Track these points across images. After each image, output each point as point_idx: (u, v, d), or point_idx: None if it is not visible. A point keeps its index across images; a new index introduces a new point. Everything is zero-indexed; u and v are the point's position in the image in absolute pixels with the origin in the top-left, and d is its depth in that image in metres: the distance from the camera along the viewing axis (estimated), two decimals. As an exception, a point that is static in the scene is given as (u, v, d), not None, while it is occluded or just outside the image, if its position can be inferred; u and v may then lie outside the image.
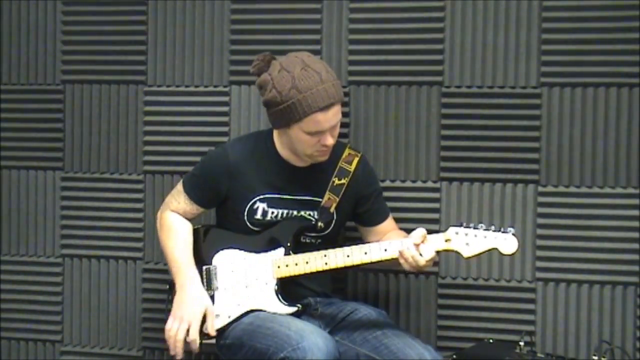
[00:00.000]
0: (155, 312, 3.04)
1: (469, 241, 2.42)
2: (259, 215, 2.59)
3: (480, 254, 2.43)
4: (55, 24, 3.16)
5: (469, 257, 2.44)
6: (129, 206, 3.12)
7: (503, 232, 2.41)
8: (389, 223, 2.74)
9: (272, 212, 2.60)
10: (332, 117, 2.46)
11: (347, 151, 2.66)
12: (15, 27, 3.19)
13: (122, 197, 3.12)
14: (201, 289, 2.55)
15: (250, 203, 2.59)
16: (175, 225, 2.66)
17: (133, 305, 3.12)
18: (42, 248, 3.20)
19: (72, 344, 3.18)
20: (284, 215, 2.60)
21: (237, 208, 2.61)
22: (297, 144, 2.53)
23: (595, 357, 2.55)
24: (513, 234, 2.41)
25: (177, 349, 2.50)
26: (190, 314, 2.50)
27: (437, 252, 2.44)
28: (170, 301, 2.66)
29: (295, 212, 2.61)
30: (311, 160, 2.58)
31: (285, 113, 2.46)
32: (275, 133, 2.63)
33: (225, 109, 3.03)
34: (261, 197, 2.59)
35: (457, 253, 2.43)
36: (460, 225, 2.44)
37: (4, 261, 3.23)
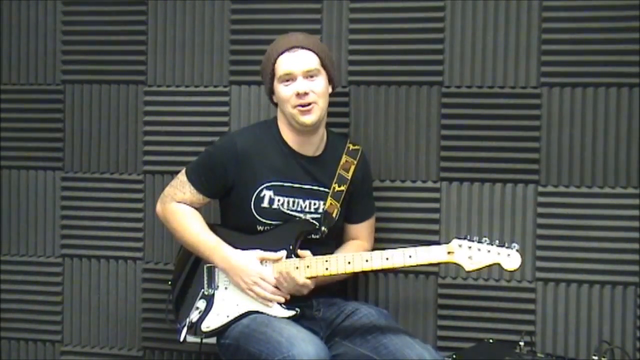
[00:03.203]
0: (155, 312, 3.04)
1: (471, 255, 2.41)
2: (265, 204, 2.60)
3: (482, 268, 2.43)
4: (55, 24, 3.16)
5: (471, 271, 2.44)
6: (129, 206, 3.12)
7: (507, 247, 2.40)
8: (361, 228, 2.77)
9: (279, 200, 2.60)
10: (298, 60, 2.57)
11: (344, 158, 2.69)
12: (15, 27, 3.19)
13: (122, 197, 3.12)
14: (240, 253, 2.57)
15: (257, 191, 2.60)
16: (189, 212, 2.68)
17: (133, 305, 3.12)
18: (42, 248, 3.20)
19: (72, 344, 3.18)
20: (290, 203, 2.61)
21: (243, 197, 2.61)
22: (283, 107, 2.61)
23: (595, 357, 2.55)
24: (517, 250, 2.39)
25: (277, 297, 2.54)
26: (253, 275, 2.53)
27: (438, 264, 2.47)
28: (171, 301, 2.67)
29: (301, 201, 2.62)
30: (300, 124, 2.59)
31: (265, 71, 2.65)
32: (278, 117, 2.68)
33: (225, 109, 3.04)
34: (268, 184, 2.60)
35: (459, 266, 2.43)
36: (464, 238, 2.43)
37: (4, 261, 3.23)
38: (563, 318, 2.81)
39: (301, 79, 2.56)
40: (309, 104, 2.56)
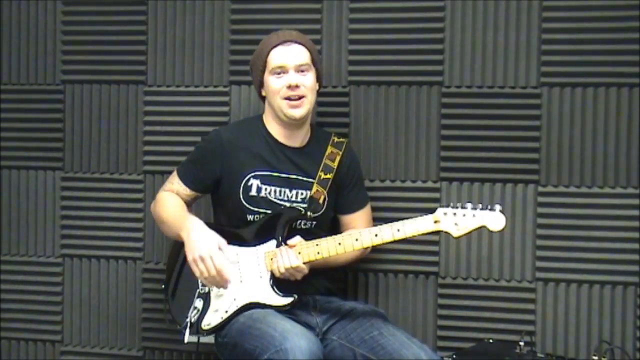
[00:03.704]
0: (155, 312, 3.04)
1: (457, 221, 2.45)
2: (253, 192, 2.63)
3: (469, 232, 2.46)
4: (55, 24, 3.16)
5: (459, 237, 2.47)
6: (129, 206, 3.12)
7: (490, 209, 2.44)
8: (356, 218, 2.77)
9: (266, 189, 2.64)
10: (291, 54, 2.62)
11: (329, 149, 2.72)
12: (15, 27, 3.19)
13: (122, 197, 3.12)
14: (205, 228, 2.56)
15: (245, 179, 2.63)
16: (167, 197, 2.72)
17: (133, 305, 3.12)
18: (42, 248, 3.20)
19: (72, 344, 3.18)
20: (277, 192, 2.64)
21: (232, 186, 2.64)
22: (272, 99, 2.65)
23: (595, 357, 2.55)
24: (500, 211, 2.43)
25: (222, 281, 2.50)
26: (205, 250, 2.49)
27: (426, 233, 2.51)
28: (167, 301, 2.68)
29: (287, 191, 2.65)
30: (288, 117, 2.62)
31: (256, 64, 2.69)
32: (265, 111, 2.72)
33: (225, 109, 3.04)
34: (254, 173, 2.64)
35: (447, 233, 2.47)
36: (448, 206, 2.46)
37: (4, 261, 3.23)
38: (563, 318, 2.81)
39: (293, 72, 2.62)
40: (300, 98, 2.61)
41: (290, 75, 2.61)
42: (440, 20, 2.86)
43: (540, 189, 2.82)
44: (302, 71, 2.63)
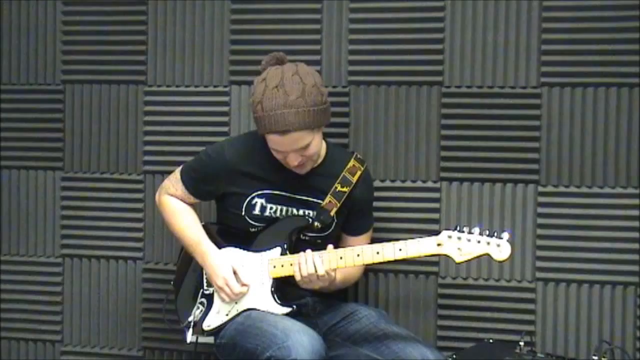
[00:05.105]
0: (155, 312, 3.04)
1: (461, 246, 2.40)
2: (257, 211, 2.60)
3: (472, 259, 2.42)
4: (55, 24, 3.16)
5: (461, 262, 2.43)
6: (129, 206, 3.12)
7: (497, 237, 2.38)
8: (360, 239, 2.70)
9: (271, 208, 2.60)
10: (289, 142, 2.44)
11: (352, 162, 2.64)
12: (15, 27, 3.19)
13: (122, 197, 3.12)
14: (219, 256, 2.58)
15: (248, 199, 2.60)
16: (178, 207, 2.69)
17: (133, 305, 3.12)
18: (42, 248, 3.20)
19: (72, 344, 3.18)
20: (283, 211, 2.61)
21: (235, 204, 2.62)
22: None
23: (595, 357, 2.55)
24: (507, 240, 2.38)
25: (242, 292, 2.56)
26: (221, 278, 2.54)
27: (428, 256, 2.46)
28: (169, 301, 2.67)
29: (294, 210, 2.61)
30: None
31: (255, 122, 2.50)
32: None
33: (225, 109, 3.04)
34: (259, 193, 2.60)
35: (449, 257, 2.42)
36: (454, 229, 2.42)
37: (4, 261, 3.23)
38: (563, 318, 2.81)
39: (292, 154, 2.48)
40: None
41: (290, 156, 2.48)
42: (440, 20, 2.86)
43: (540, 189, 2.82)
44: (304, 148, 2.47)
